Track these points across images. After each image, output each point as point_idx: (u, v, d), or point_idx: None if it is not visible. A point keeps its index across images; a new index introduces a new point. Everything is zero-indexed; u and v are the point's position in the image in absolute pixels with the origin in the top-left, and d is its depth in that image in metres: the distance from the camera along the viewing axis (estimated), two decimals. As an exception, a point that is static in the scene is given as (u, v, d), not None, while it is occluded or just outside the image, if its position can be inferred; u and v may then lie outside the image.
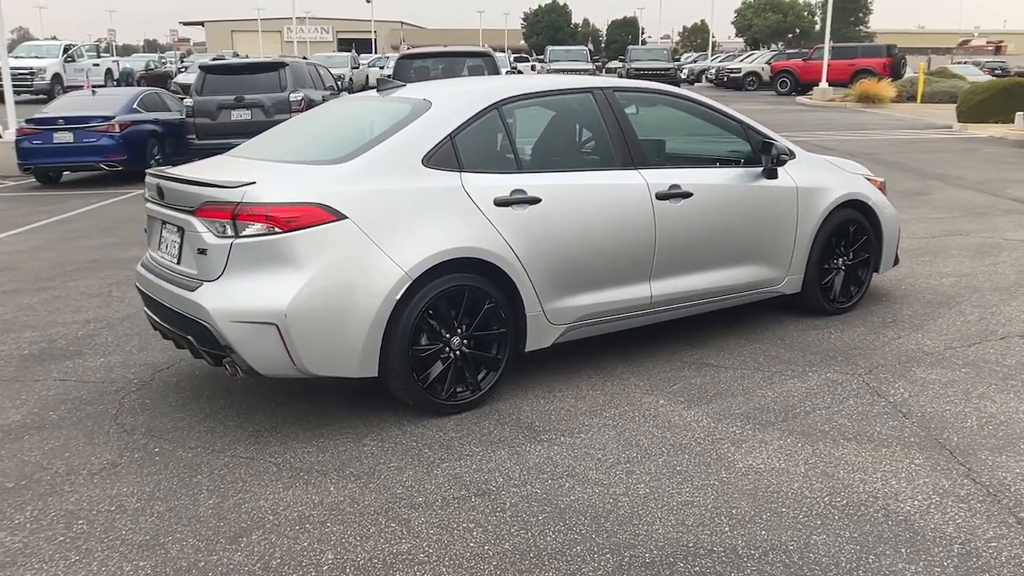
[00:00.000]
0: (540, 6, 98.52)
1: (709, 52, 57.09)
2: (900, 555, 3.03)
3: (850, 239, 5.82)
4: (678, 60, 52.63)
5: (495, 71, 14.43)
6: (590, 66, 33.85)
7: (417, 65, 14.68)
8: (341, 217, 3.95)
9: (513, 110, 4.63)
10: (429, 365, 4.21)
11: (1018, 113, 19.09)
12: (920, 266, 7.16)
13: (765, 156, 5.33)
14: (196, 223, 4.01)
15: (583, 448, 3.91)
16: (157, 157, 14.38)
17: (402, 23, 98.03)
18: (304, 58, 20.28)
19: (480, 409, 4.36)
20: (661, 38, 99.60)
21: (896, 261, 6.30)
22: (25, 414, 4.47)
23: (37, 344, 5.62)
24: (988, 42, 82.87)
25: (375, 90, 5.04)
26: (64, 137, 13.30)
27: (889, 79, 32.63)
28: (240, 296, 3.89)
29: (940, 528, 3.20)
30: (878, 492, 3.47)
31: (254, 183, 3.92)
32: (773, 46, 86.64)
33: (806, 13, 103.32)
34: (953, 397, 4.43)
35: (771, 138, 5.43)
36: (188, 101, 13.73)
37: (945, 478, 3.57)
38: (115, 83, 33.77)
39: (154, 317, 4.51)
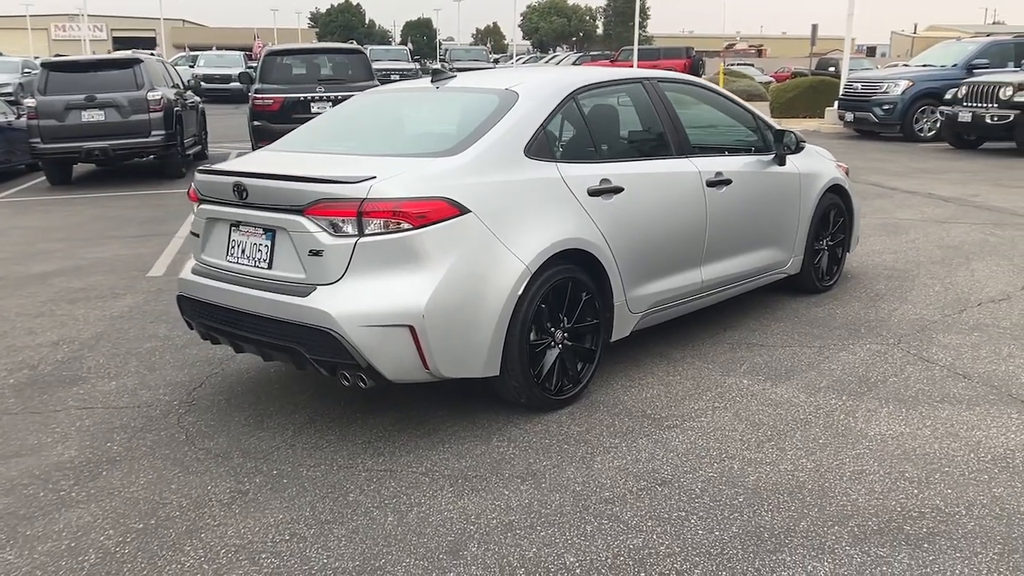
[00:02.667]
0: (332, 6, 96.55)
1: (512, 53, 58.47)
2: (1079, 498, 3.32)
3: (831, 221, 6.23)
4: (497, 60, 53.47)
5: (364, 69, 14.08)
6: (413, 65, 33.65)
7: (282, 62, 14.03)
8: (465, 211, 3.77)
9: (585, 100, 4.59)
10: (540, 360, 4.11)
11: (827, 108, 20.96)
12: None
13: (778, 144, 5.60)
14: (306, 222, 3.68)
15: (715, 431, 3.96)
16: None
17: (184, 21, 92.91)
18: (152, 53, 18.79)
19: (580, 402, 4.30)
20: (445, 39, 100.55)
21: (857, 240, 6.80)
22: (79, 448, 3.92)
23: (18, 371, 4.93)
24: (750, 46, 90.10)
25: (429, 80, 4.82)
26: None
27: (691, 79, 34.81)
28: (369, 299, 3.62)
29: (1088, 471, 3.53)
30: (1010, 445, 3.76)
31: (375, 177, 3.66)
32: (560, 48, 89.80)
33: (588, 17, 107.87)
34: (988, 357, 4.86)
35: (780, 127, 5.71)
36: (30, 101, 12.37)
37: (1050, 428, 3.94)
38: None
39: (221, 328, 4.09)
